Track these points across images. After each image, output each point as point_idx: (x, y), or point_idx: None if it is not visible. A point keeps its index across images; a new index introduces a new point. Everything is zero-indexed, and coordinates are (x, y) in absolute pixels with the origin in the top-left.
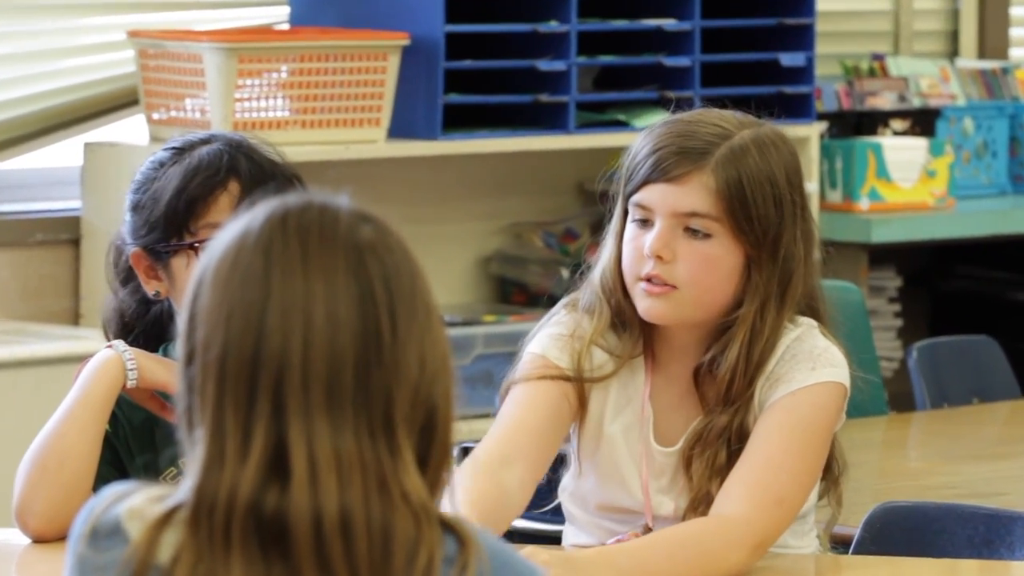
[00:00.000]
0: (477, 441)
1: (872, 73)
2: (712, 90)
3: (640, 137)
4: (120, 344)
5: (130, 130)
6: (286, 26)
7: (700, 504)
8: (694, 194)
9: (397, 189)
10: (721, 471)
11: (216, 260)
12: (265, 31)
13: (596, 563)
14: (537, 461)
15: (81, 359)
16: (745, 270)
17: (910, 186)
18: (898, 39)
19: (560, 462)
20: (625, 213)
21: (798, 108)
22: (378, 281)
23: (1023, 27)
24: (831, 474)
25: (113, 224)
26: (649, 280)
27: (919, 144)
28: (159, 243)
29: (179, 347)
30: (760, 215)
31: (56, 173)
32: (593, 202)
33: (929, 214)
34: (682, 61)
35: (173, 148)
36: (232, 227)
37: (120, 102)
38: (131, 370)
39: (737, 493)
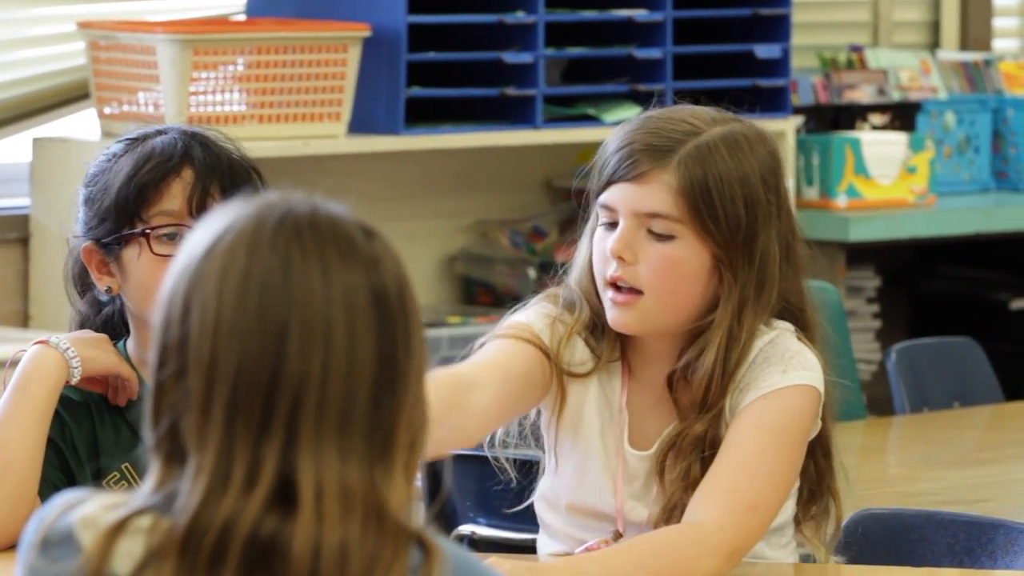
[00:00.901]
0: None
1: (850, 65)
2: (685, 83)
3: (612, 134)
4: (55, 338)
5: (81, 125)
6: (243, 17)
7: (672, 513)
8: (655, 194)
9: (358, 186)
10: (695, 483)
11: (221, 263)
12: (221, 22)
13: (563, 573)
14: (504, 399)
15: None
16: (715, 272)
17: (889, 183)
18: (877, 30)
19: (533, 469)
20: (598, 214)
21: (773, 101)
22: (395, 301)
23: (1007, 17)
24: (833, 489)
25: (63, 223)
26: (615, 285)
27: (899, 139)
28: (110, 234)
29: (160, 353)
30: (728, 215)
31: (3, 170)
32: (561, 199)
33: (909, 212)
34: (654, 53)
35: (127, 140)
36: (228, 226)
37: (70, 96)
38: (75, 367)
39: (709, 499)
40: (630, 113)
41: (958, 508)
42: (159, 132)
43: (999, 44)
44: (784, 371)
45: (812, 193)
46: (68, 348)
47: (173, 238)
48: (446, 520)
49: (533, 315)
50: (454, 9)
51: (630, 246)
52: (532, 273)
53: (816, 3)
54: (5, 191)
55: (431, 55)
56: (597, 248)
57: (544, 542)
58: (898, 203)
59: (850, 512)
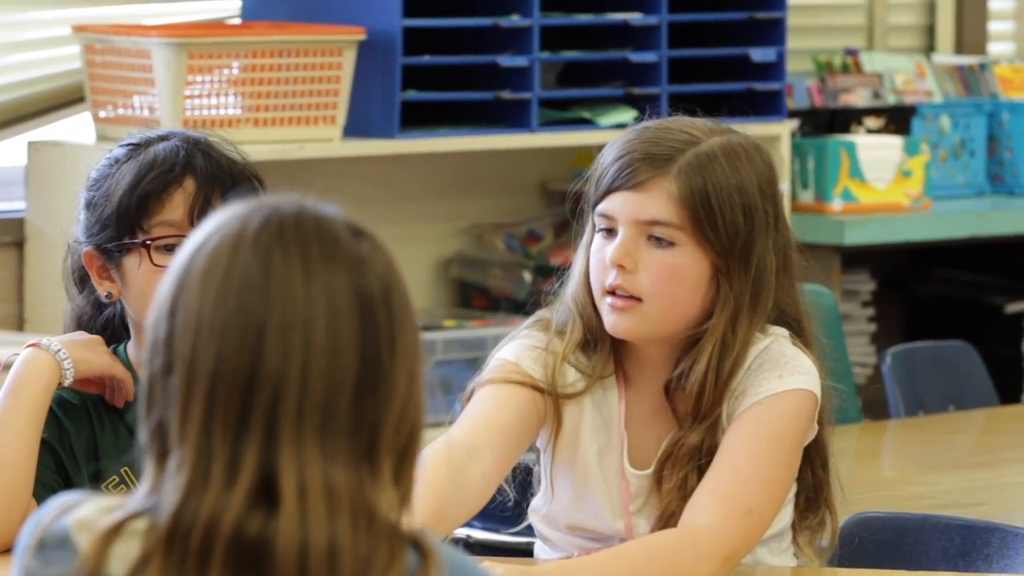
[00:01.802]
0: None
1: (845, 69)
2: (680, 87)
3: (608, 145)
4: (47, 341)
5: (76, 129)
6: (238, 20)
7: (668, 522)
8: (656, 202)
9: (353, 189)
10: (692, 493)
11: (205, 263)
12: (216, 26)
13: (592, 569)
14: (503, 458)
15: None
16: (713, 280)
17: (884, 186)
18: (872, 34)
19: (529, 483)
20: (594, 224)
21: (768, 105)
22: (379, 302)
23: (1002, 21)
24: (830, 502)
25: (59, 226)
26: (613, 293)
27: (894, 143)
28: (111, 242)
29: (150, 351)
30: (727, 224)
31: None
32: (556, 203)
33: (904, 215)
34: (649, 57)
35: (130, 144)
36: (217, 227)
37: (65, 99)
38: (67, 369)
39: (705, 503)
40: (625, 116)
41: (953, 512)
42: (161, 138)
43: (994, 48)
44: (780, 376)
45: (807, 197)
46: (60, 350)
47: (172, 249)
48: None
49: (520, 350)
50: (449, 12)
51: (630, 254)
52: (527, 276)
53: (811, 7)
54: (0, 195)
55: (426, 59)
56: (595, 257)
57: (541, 549)
58: (893, 207)
59: (845, 516)
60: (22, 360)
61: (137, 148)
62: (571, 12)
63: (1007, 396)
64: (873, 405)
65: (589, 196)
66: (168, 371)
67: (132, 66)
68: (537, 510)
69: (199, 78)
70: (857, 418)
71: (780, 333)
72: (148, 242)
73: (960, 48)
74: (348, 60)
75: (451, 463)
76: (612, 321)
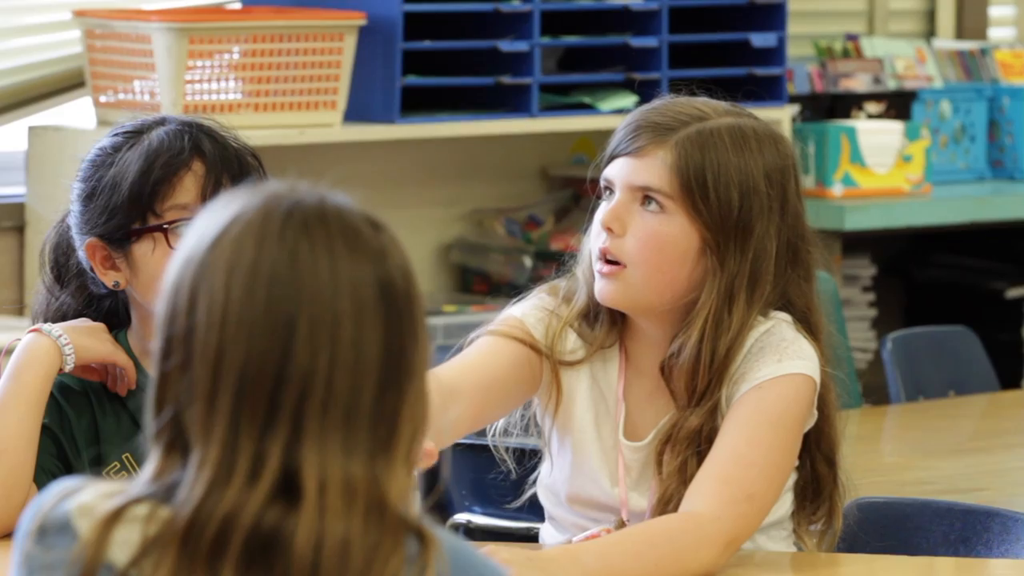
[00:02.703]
0: None
1: (846, 54)
2: (680, 72)
3: (620, 121)
4: (48, 326)
5: (76, 113)
6: (238, 5)
7: (667, 506)
8: (651, 168)
9: (354, 174)
10: (692, 478)
11: (228, 255)
12: (216, 11)
13: (560, 562)
14: (481, 408)
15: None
16: (703, 255)
17: (885, 171)
18: (873, 19)
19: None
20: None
21: (769, 90)
22: (401, 296)
23: (1002, 6)
24: (833, 499)
25: (59, 211)
26: (604, 259)
27: (894, 128)
28: (120, 229)
29: (164, 344)
30: (721, 200)
31: None
32: (557, 188)
33: (905, 200)
34: (649, 41)
35: (125, 132)
36: (233, 217)
37: (66, 84)
38: (68, 354)
39: (706, 489)
40: (626, 102)
41: (954, 497)
42: (158, 123)
43: (995, 33)
44: (779, 360)
45: (808, 182)
46: (61, 335)
47: None
48: (442, 509)
49: (529, 308)
50: None
51: (619, 217)
52: (528, 262)
53: None
54: (1, 180)
55: (427, 44)
56: (594, 223)
57: (548, 532)
58: (894, 192)
59: (846, 501)
60: (23, 345)
61: (136, 135)
62: None
63: (1007, 381)
64: (873, 390)
65: (601, 166)
66: (187, 365)
67: (132, 51)
68: (542, 482)
69: (200, 63)
70: (857, 403)
71: (782, 318)
72: (165, 226)
73: (961, 33)
74: (348, 45)
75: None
76: (599, 288)
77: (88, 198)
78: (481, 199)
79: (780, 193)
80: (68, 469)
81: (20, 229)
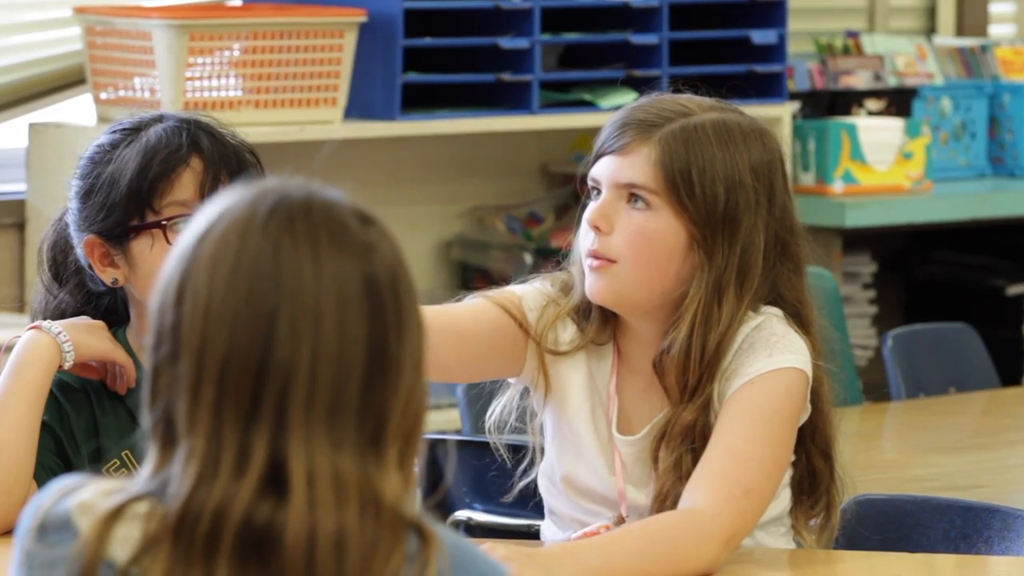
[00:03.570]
0: (439, 433)
1: (846, 51)
2: (681, 69)
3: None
4: (48, 324)
5: (77, 110)
6: (239, 2)
7: (664, 503)
8: (635, 165)
9: (354, 171)
10: (687, 474)
11: (213, 249)
12: (217, 8)
13: (560, 559)
14: (446, 359)
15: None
16: (690, 250)
17: (886, 168)
18: (873, 15)
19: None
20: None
21: (770, 87)
22: (387, 291)
23: (1003, 3)
24: (830, 492)
25: (59, 208)
26: (593, 257)
27: (895, 125)
28: (119, 226)
29: (155, 337)
30: (706, 195)
31: (0, 155)
32: (558, 185)
33: (905, 197)
34: (650, 39)
35: (123, 129)
36: (223, 212)
37: (66, 81)
38: (68, 352)
39: (704, 485)
40: (626, 99)
41: (954, 494)
42: (156, 120)
43: (995, 30)
44: (770, 355)
45: (808, 179)
46: (60, 333)
47: None
48: (442, 506)
49: (530, 291)
50: None
51: (607, 216)
52: (528, 258)
53: None
54: (1, 176)
55: (427, 41)
56: (583, 221)
57: (549, 528)
58: (894, 189)
59: (846, 498)
60: (23, 343)
61: (133, 132)
62: None
63: (1008, 378)
64: (874, 387)
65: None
66: (175, 358)
67: (133, 48)
68: (543, 472)
69: (200, 60)
70: (858, 400)
71: (772, 312)
72: (164, 222)
73: (961, 30)
74: (349, 42)
75: None
76: (589, 284)
77: (86, 195)
78: (482, 196)
79: (767, 187)
80: (68, 466)
81: (21, 226)
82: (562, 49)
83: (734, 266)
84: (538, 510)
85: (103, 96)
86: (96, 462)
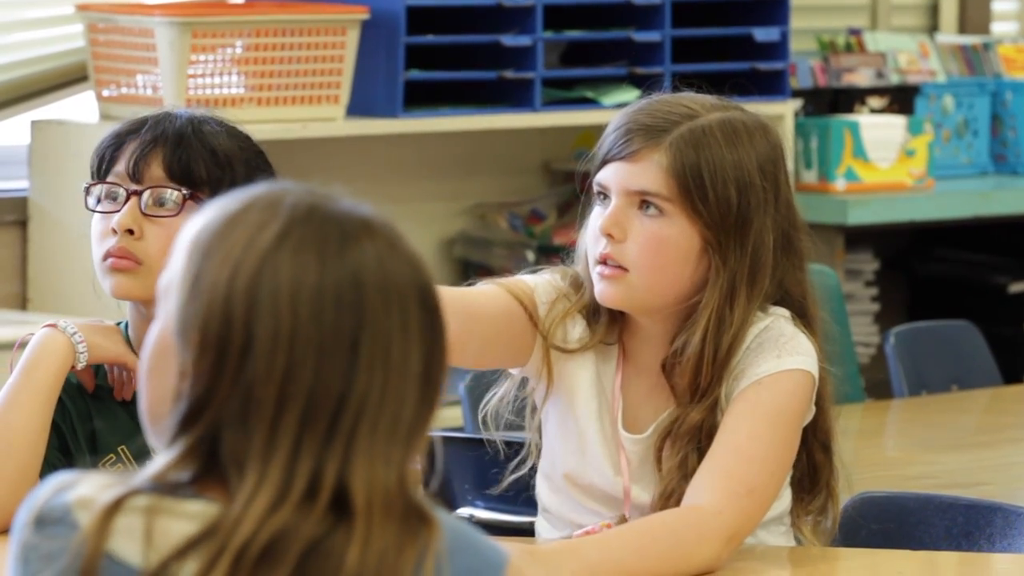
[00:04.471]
0: (443, 430)
1: (849, 48)
2: (683, 66)
3: (613, 118)
4: (64, 323)
5: (79, 107)
6: (241, 0)
7: (668, 501)
8: (647, 172)
9: (357, 168)
10: (693, 472)
11: (290, 272)
12: (219, 5)
13: (562, 555)
14: (456, 344)
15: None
16: (704, 254)
17: (888, 166)
18: (876, 13)
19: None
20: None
21: (772, 85)
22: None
23: (1005, 1)
24: (830, 486)
25: (62, 205)
26: (604, 263)
27: (897, 122)
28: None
29: (208, 355)
30: (719, 198)
31: (2, 152)
32: (560, 182)
33: (907, 195)
34: (652, 36)
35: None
36: (282, 230)
37: (69, 78)
38: (81, 352)
39: (707, 483)
40: (629, 96)
41: (956, 491)
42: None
43: (998, 27)
44: (778, 356)
45: (810, 176)
46: (75, 333)
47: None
48: (445, 503)
49: (541, 282)
50: None
51: (619, 223)
52: (530, 256)
53: None
54: (3, 174)
55: (430, 38)
56: (590, 227)
57: (542, 527)
58: (896, 186)
59: (848, 496)
60: (37, 340)
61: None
62: None
63: (1010, 376)
64: (876, 385)
65: (591, 168)
66: (243, 383)
67: (135, 45)
68: (540, 469)
69: (202, 57)
70: (860, 398)
71: (780, 313)
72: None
73: (964, 27)
74: (351, 39)
75: None
76: (600, 290)
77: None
78: (484, 193)
79: (773, 183)
80: (70, 462)
81: (23, 223)
82: (564, 46)
83: (746, 267)
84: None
85: (105, 93)
86: (93, 455)
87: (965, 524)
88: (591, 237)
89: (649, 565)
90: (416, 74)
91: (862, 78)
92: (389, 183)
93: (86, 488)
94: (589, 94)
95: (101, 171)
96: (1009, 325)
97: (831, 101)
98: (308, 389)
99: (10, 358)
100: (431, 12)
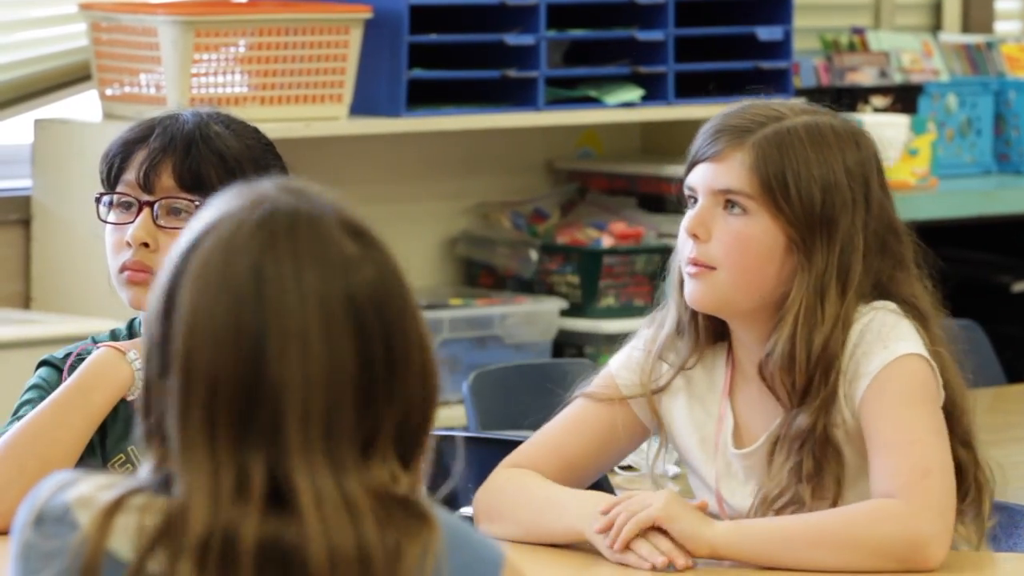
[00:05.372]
0: (446, 429)
1: (852, 47)
2: (687, 65)
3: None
4: (133, 354)
5: (82, 106)
6: None
7: (775, 503)
8: (731, 171)
9: (360, 167)
10: (809, 477)
11: (200, 264)
12: (223, 3)
13: (769, 531)
14: (584, 482)
15: (32, 344)
16: (789, 253)
17: (891, 165)
18: (879, 12)
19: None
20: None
21: (775, 84)
22: (370, 308)
23: (1009, 0)
24: (978, 480)
25: (65, 204)
26: (692, 264)
27: (900, 121)
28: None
29: (146, 348)
30: (802, 197)
31: (5, 151)
32: (563, 181)
33: (911, 194)
34: (655, 35)
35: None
36: (213, 222)
37: (72, 77)
38: (139, 384)
39: (883, 489)
40: (632, 95)
41: None
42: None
43: (1001, 26)
44: (885, 347)
45: None
46: (137, 363)
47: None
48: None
49: (622, 362)
50: None
51: (704, 223)
52: (533, 255)
53: None
54: (7, 172)
55: (433, 37)
56: (680, 231)
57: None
58: (900, 185)
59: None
60: (100, 362)
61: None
62: None
63: (1014, 375)
64: None
65: (683, 172)
66: (165, 373)
67: (139, 44)
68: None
69: (206, 56)
70: None
71: (880, 306)
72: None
73: (967, 27)
74: (355, 38)
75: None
76: (689, 291)
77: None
78: (487, 192)
79: (863, 186)
80: (80, 462)
81: (26, 222)
82: (568, 45)
83: (834, 266)
84: None
85: (109, 92)
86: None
87: None
88: (680, 241)
89: (845, 557)
90: (419, 73)
91: (865, 77)
92: (392, 182)
93: (85, 487)
94: (592, 93)
95: (111, 180)
96: (1013, 324)
97: (834, 100)
98: (210, 380)
99: (69, 360)
100: (434, 11)
